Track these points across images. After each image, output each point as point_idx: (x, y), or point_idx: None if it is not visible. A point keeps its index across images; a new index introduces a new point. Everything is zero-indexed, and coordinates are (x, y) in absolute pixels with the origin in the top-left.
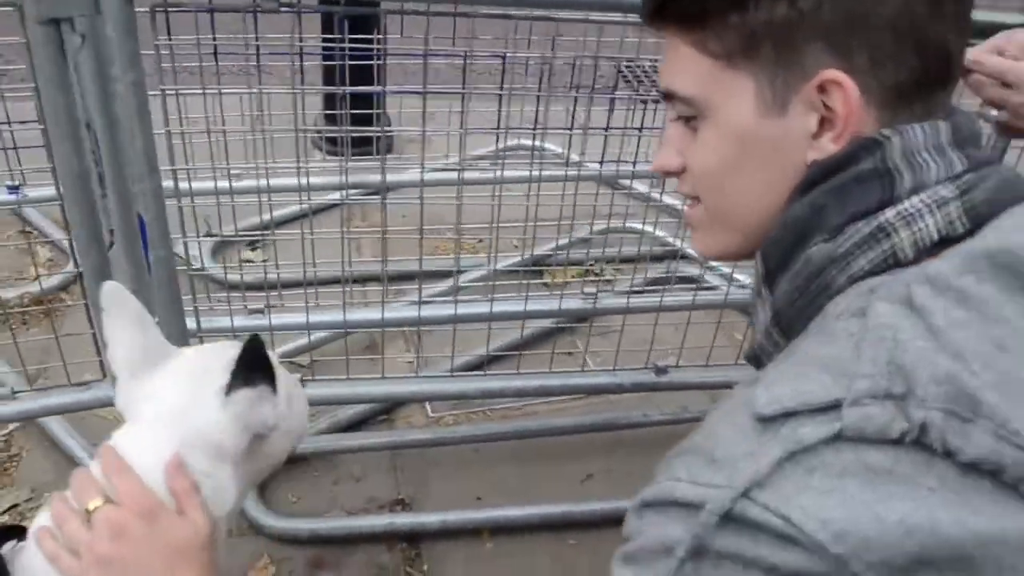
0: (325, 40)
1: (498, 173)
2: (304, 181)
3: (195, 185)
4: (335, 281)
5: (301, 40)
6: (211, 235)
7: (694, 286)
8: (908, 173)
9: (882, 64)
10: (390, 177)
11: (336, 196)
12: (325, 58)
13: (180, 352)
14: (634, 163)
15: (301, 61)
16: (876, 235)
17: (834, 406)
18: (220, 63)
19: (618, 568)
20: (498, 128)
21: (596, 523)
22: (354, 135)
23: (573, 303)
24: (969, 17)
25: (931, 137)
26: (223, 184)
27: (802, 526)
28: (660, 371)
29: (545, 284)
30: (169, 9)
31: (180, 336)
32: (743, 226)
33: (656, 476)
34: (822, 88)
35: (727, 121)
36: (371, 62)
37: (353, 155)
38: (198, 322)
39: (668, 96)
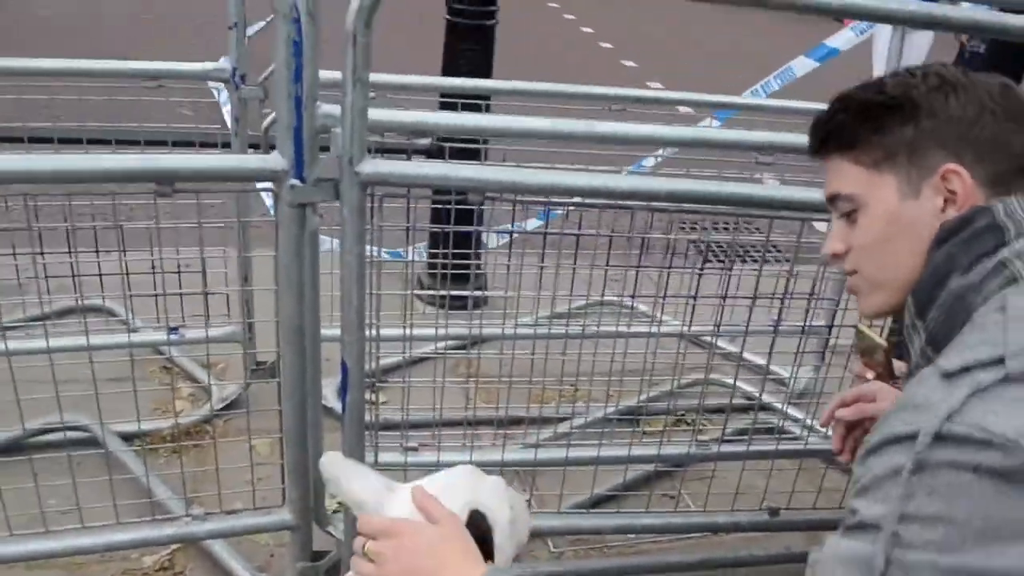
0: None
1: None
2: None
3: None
4: (457, 423)
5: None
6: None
7: (777, 436)
8: (1011, 225)
9: (984, 160)
10: (492, 330)
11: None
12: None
13: (407, 486)
14: (718, 325)
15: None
16: (999, 268)
17: (998, 361)
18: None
19: (855, 501)
20: (627, 291)
21: None
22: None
23: (673, 449)
24: None
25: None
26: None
27: (994, 430)
28: (773, 513)
29: (643, 432)
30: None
31: None
32: (896, 285)
33: (869, 440)
34: (944, 177)
35: (878, 209)
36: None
37: (453, 308)
38: (376, 456)
39: (832, 199)
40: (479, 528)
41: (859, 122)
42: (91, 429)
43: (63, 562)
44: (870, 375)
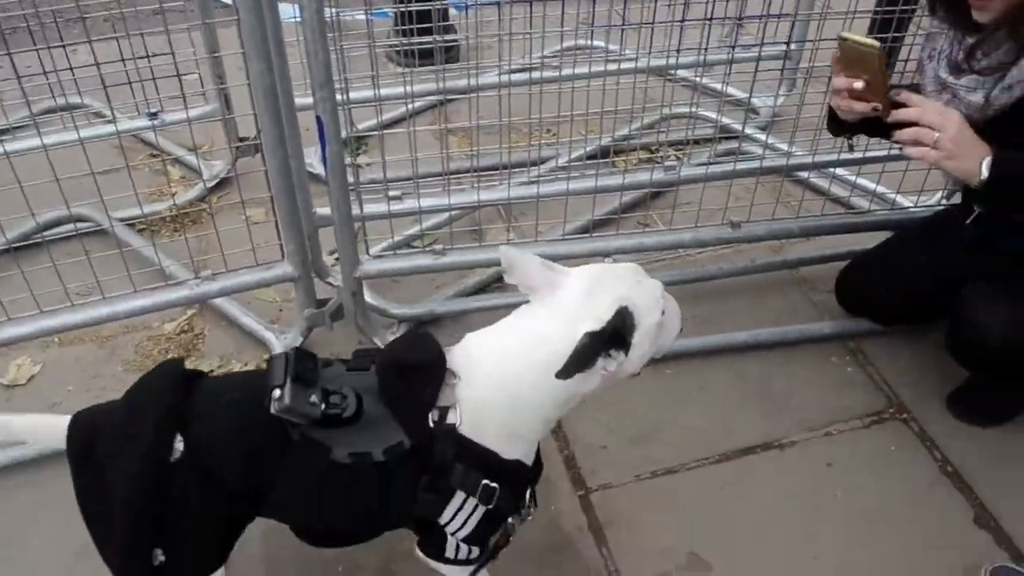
0: None
1: (567, 71)
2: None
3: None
4: (436, 174)
5: None
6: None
7: (736, 156)
8: None
9: None
10: (465, 82)
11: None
12: None
13: (573, 272)
14: (678, 51)
15: None
16: None
17: None
18: None
19: None
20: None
21: (694, 354)
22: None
23: (638, 176)
24: None
25: None
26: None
27: None
28: (735, 226)
29: (614, 165)
30: None
31: (348, 218)
32: None
33: None
34: None
35: None
36: None
37: (423, 65)
38: (361, 207)
39: None
40: (623, 323)
41: None
42: (94, 218)
43: (92, 336)
44: (859, 84)
